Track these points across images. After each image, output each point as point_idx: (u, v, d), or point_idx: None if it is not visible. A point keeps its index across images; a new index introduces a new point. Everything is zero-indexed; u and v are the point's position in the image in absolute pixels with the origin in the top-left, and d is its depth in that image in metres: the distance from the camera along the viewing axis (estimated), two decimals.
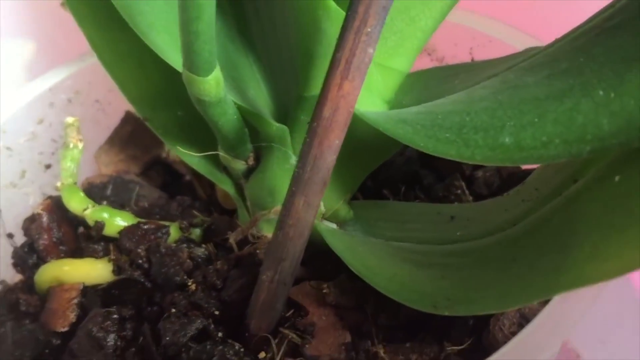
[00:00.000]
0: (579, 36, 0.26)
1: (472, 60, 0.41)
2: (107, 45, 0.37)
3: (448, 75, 0.35)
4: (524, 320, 0.30)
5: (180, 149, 0.37)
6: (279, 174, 0.34)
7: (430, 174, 0.40)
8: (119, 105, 0.43)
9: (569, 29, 0.28)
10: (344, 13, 0.30)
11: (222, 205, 0.41)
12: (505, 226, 0.30)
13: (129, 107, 0.44)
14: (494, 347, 0.29)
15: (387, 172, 0.40)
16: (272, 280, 0.30)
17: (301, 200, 0.28)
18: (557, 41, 0.29)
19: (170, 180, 0.44)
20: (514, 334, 0.30)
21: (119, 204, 0.40)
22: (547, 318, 0.26)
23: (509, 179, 0.39)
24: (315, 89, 0.33)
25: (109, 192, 0.41)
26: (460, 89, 0.32)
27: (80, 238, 0.39)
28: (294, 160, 0.34)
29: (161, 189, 0.42)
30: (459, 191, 0.38)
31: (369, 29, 0.25)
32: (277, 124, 0.33)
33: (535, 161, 0.25)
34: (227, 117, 0.32)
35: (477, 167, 0.40)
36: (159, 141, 0.44)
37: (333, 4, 0.30)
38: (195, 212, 0.39)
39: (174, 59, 0.32)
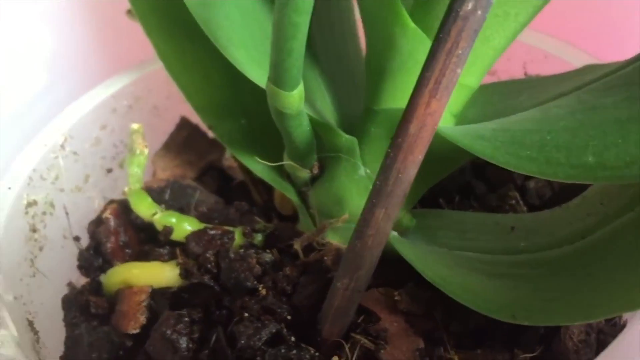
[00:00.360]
0: None
1: (526, 74, 0.42)
2: (174, 55, 0.38)
3: (511, 92, 0.36)
4: (590, 329, 0.31)
5: (246, 157, 0.38)
6: (347, 184, 0.35)
7: (482, 184, 0.41)
8: (175, 111, 0.44)
9: (623, 47, 0.30)
10: (421, 32, 0.32)
11: (279, 211, 0.42)
12: (573, 239, 0.32)
13: (185, 113, 0.45)
14: (565, 355, 0.30)
15: (442, 182, 0.41)
16: (348, 287, 0.31)
17: (382, 212, 0.29)
18: (626, 63, 0.30)
19: (225, 185, 0.45)
20: (582, 342, 0.31)
21: (178, 208, 0.41)
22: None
23: (561, 191, 0.40)
24: (386, 102, 0.34)
25: (167, 196, 0.42)
26: (528, 106, 0.33)
27: (142, 242, 0.40)
28: (363, 171, 0.35)
29: (216, 194, 0.43)
30: (513, 201, 0.39)
31: (459, 51, 0.26)
32: (347, 136, 0.34)
33: (618, 180, 0.26)
34: (302, 129, 0.33)
35: (528, 178, 0.41)
36: (213, 147, 0.45)
37: (412, 23, 0.31)
38: (257, 218, 0.40)
39: (251, 72, 0.33)
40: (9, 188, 0.34)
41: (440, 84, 0.27)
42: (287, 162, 0.36)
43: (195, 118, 0.45)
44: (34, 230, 0.35)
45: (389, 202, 0.29)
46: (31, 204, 0.35)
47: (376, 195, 0.30)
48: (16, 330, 0.28)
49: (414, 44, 0.32)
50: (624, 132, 0.26)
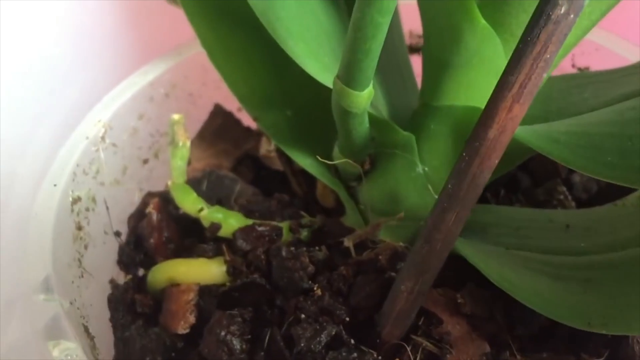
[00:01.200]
0: None
1: (573, 66, 0.41)
2: (217, 42, 0.37)
3: (571, 87, 0.35)
4: None
5: (292, 150, 0.37)
6: (403, 181, 0.35)
7: (527, 177, 0.41)
8: (209, 98, 0.43)
9: None
10: (491, 29, 0.31)
11: (320, 203, 0.41)
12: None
13: (219, 100, 0.43)
14: (632, 359, 0.30)
15: None
16: (412, 291, 0.31)
17: (453, 215, 0.29)
18: None
19: (261, 175, 0.44)
20: None
21: (216, 200, 0.40)
22: None
23: (607, 185, 0.40)
24: (447, 99, 0.33)
25: (204, 187, 0.41)
26: (595, 105, 0.33)
27: (183, 235, 0.39)
28: (420, 169, 0.34)
29: (253, 185, 0.42)
30: (561, 196, 0.39)
31: (547, 56, 0.26)
32: (404, 132, 0.33)
33: None
34: (362, 127, 0.32)
35: (572, 171, 0.41)
36: (248, 135, 0.44)
37: (482, 20, 0.30)
38: (302, 213, 0.39)
39: (310, 66, 0.32)
40: (55, 185, 0.32)
41: (525, 88, 0.26)
42: (339, 158, 0.35)
43: (229, 105, 0.44)
44: (80, 228, 0.34)
45: (461, 206, 0.29)
46: (76, 200, 0.34)
47: (447, 199, 0.29)
48: (78, 340, 0.27)
49: (482, 41, 0.31)
50: None
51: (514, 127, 0.27)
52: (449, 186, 0.29)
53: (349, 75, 0.28)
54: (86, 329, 0.31)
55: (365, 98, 0.29)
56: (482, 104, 0.27)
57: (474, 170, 0.28)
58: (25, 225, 0.31)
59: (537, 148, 0.29)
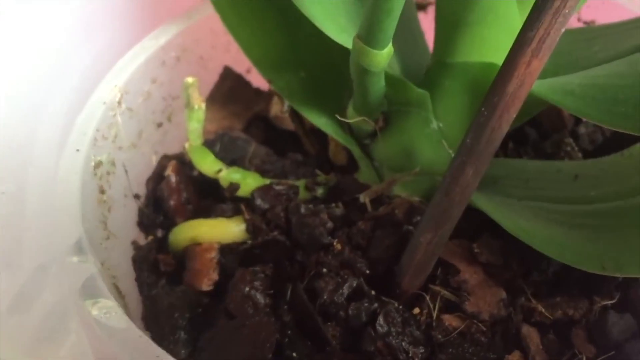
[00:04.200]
0: None
1: (579, 19, 0.42)
2: (231, 6, 0.37)
3: (579, 40, 0.36)
4: None
5: (307, 110, 0.38)
6: (418, 137, 0.35)
7: (534, 130, 0.42)
8: (218, 61, 0.43)
9: None
10: None
11: (333, 161, 0.42)
12: None
13: (228, 62, 0.44)
14: None
15: None
16: (431, 242, 0.32)
17: (471, 169, 0.30)
18: None
19: (272, 135, 0.44)
20: None
21: (230, 161, 0.41)
22: None
23: (612, 136, 0.41)
24: (461, 55, 0.34)
25: (217, 149, 0.41)
26: (605, 58, 0.34)
27: (201, 196, 0.40)
28: (435, 125, 0.35)
29: (265, 145, 0.43)
30: (568, 148, 0.40)
31: (566, 11, 0.26)
32: (419, 90, 0.34)
33: None
34: (379, 85, 0.33)
35: (578, 123, 0.42)
36: (258, 96, 0.45)
37: None
38: (316, 171, 0.39)
39: (328, 27, 0.32)
40: (78, 150, 0.33)
41: (545, 43, 0.27)
42: (353, 116, 0.36)
43: (238, 67, 0.44)
44: (102, 192, 0.34)
45: (479, 160, 0.30)
46: (98, 165, 0.34)
47: (466, 154, 0.30)
48: (113, 299, 0.28)
49: None
50: None
51: (532, 81, 0.28)
52: (468, 140, 0.30)
53: (370, 35, 0.29)
54: (117, 289, 0.32)
55: (385, 57, 0.30)
56: (497, 60, 0.28)
57: (493, 124, 0.29)
58: (52, 190, 0.32)
59: (553, 101, 0.30)
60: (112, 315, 0.27)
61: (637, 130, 0.28)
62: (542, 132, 0.42)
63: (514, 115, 0.29)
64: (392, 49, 0.30)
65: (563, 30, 0.27)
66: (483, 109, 0.29)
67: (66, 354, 0.28)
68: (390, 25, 0.28)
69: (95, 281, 0.29)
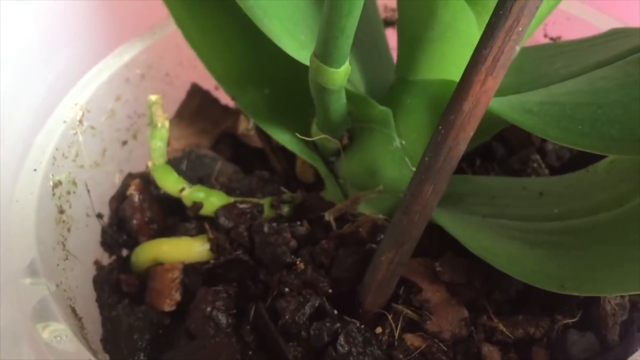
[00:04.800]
0: None
1: (546, 36, 0.42)
2: (192, 21, 0.37)
3: (542, 57, 0.36)
4: None
5: (271, 127, 0.38)
6: (381, 155, 0.35)
7: (502, 146, 0.42)
8: (185, 78, 0.43)
9: None
10: (464, 3, 0.31)
11: (300, 179, 0.42)
12: (609, 206, 0.32)
13: (196, 79, 0.44)
14: (603, 318, 0.32)
15: None
16: (392, 261, 0.32)
17: (430, 188, 0.30)
18: None
19: (240, 152, 0.44)
20: (618, 305, 0.32)
21: (197, 179, 0.41)
22: None
23: (579, 153, 0.41)
24: (422, 73, 0.34)
25: (184, 167, 0.41)
26: (566, 75, 0.34)
27: (166, 215, 0.39)
28: (397, 142, 0.35)
29: (232, 162, 0.43)
30: (535, 165, 0.40)
31: (520, 28, 0.26)
32: (381, 107, 0.34)
33: None
34: (340, 102, 0.33)
35: (546, 140, 0.42)
36: (226, 113, 0.45)
37: None
38: (282, 189, 0.39)
39: (287, 45, 0.32)
40: (35, 170, 0.33)
41: (499, 61, 0.27)
42: (317, 134, 0.36)
43: (206, 84, 0.44)
44: (62, 212, 0.34)
45: (437, 178, 0.29)
46: (57, 184, 0.34)
47: (425, 172, 0.29)
48: (66, 321, 0.28)
49: (456, 15, 0.31)
50: None
51: (488, 99, 0.28)
52: (426, 159, 0.29)
53: (325, 53, 0.29)
54: (73, 310, 0.32)
55: (342, 75, 0.30)
56: (457, 77, 0.28)
57: (450, 142, 0.29)
58: (7, 211, 0.32)
59: (511, 119, 0.30)
60: (62, 338, 0.27)
61: (592, 148, 0.28)
62: (509, 148, 0.42)
63: (472, 134, 0.29)
64: (349, 67, 0.30)
65: (518, 48, 0.27)
66: (440, 127, 0.29)
67: None
68: (345, 42, 0.28)
69: (47, 304, 0.28)
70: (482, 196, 0.37)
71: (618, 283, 0.28)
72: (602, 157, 0.38)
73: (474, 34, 0.32)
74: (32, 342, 0.28)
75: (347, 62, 0.29)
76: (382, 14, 0.46)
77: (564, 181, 0.37)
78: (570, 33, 0.39)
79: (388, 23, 0.46)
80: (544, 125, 0.29)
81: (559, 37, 0.42)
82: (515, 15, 0.26)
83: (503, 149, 0.42)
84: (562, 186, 0.36)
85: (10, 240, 0.30)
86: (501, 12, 0.26)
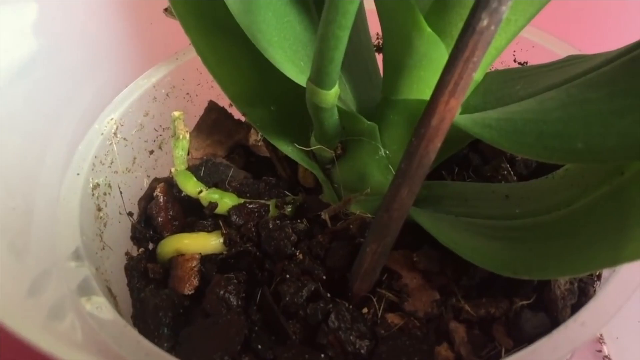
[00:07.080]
0: (631, 60, 0.34)
1: (515, 61, 0.48)
2: (209, 50, 0.43)
3: (507, 80, 0.42)
4: (574, 279, 0.38)
5: (276, 139, 0.44)
6: (369, 163, 0.41)
7: (477, 156, 0.48)
8: (204, 96, 0.49)
9: (601, 36, 0.35)
10: (435, 36, 0.37)
11: (302, 184, 0.48)
12: (560, 206, 0.38)
13: (212, 97, 0.50)
14: (554, 301, 0.37)
15: None
16: (375, 252, 0.37)
17: (406, 190, 0.35)
18: (607, 61, 0.36)
19: (251, 161, 0.50)
20: (567, 290, 0.38)
21: (213, 183, 0.47)
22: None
23: (543, 162, 0.46)
24: (402, 94, 0.40)
25: (202, 173, 0.47)
26: (524, 96, 0.39)
27: (186, 214, 0.46)
28: (382, 152, 0.41)
29: (244, 169, 0.49)
30: (505, 172, 0.45)
31: (475, 59, 0.32)
32: (368, 122, 0.40)
33: (601, 163, 0.33)
34: (332, 119, 0.39)
35: None
36: (239, 127, 0.51)
37: (427, 28, 0.36)
38: (286, 192, 0.45)
39: (289, 70, 0.38)
40: (78, 174, 0.39)
41: (459, 85, 0.33)
42: (315, 145, 0.42)
43: (221, 102, 0.50)
44: (99, 209, 0.40)
45: (412, 182, 0.35)
46: (95, 186, 0.40)
47: (401, 177, 0.35)
48: (104, 297, 0.34)
49: (429, 46, 0.37)
50: (606, 124, 0.32)
51: (452, 116, 0.34)
52: (402, 165, 0.35)
53: (318, 78, 0.35)
54: (109, 290, 0.38)
55: (333, 96, 0.36)
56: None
57: (422, 152, 0.35)
58: (55, 207, 0.38)
59: (473, 133, 0.36)
60: (102, 309, 0.33)
61: (539, 157, 0.33)
62: (484, 158, 0.48)
63: (439, 145, 0.35)
64: (338, 89, 0.36)
65: (474, 74, 0.33)
66: (413, 139, 0.35)
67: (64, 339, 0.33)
68: (334, 70, 0.34)
69: (89, 282, 0.34)
70: (457, 199, 0.43)
71: (560, 269, 0.33)
72: (562, 165, 0.44)
73: (445, 62, 0.38)
74: (77, 313, 0.34)
75: (337, 85, 0.35)
76: (375, 41, 0.52)
77: (527, 186, 0.43)
78: (535, 58, 0.45)
79: (379, 49, 0.52)
80: (499, 138, 0.35)
81: (525, 62, 0.48)
82: (471, 49, 0.32)
83: (478, 159, 0.47)
84: (525, 190, 0.42)
85: (59, 232, 0.36)
86: (460, 46, 0.33)
